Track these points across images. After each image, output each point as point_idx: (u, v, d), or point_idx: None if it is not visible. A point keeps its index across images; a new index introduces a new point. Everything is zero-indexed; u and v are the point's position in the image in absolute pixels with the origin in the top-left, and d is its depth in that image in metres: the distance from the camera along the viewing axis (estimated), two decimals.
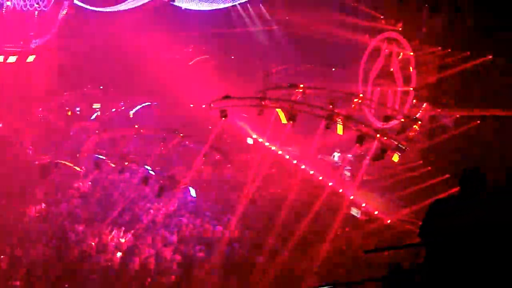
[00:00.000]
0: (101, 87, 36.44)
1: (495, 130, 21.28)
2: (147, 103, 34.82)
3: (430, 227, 7.09)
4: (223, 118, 21.66)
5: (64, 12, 33.48)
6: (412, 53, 25.16)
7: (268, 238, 21.19)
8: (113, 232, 21.34)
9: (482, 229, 6.76)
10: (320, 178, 25.60)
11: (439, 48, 24.61)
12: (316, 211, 21.75)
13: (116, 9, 34.26)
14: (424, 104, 25.26)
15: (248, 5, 35.34)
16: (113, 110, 34.96)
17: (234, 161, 26.48)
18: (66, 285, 18.15)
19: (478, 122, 22.28)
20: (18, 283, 18.02)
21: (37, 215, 22.59)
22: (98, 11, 34.54)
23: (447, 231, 6.89)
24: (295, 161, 27.13)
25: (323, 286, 9.30)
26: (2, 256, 19.26)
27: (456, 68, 23.45)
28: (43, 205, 23.23)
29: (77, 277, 18.59)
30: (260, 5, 35.06)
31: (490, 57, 21.85)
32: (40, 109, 33.91)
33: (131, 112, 34.20)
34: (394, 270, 7.80)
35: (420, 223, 7.38)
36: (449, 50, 24.00)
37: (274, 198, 24.27)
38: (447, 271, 6.92)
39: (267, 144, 27.33)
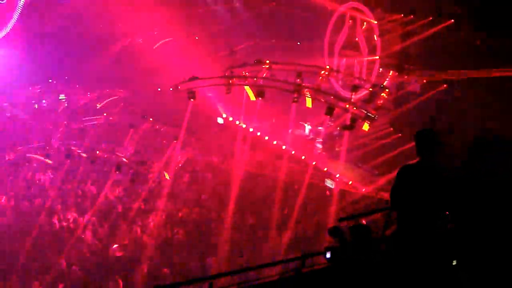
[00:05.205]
0: (66, 78, 35.93)
1: (462, 93, 21.51)
2: (114, 97, 34.28)
3: (398, 194, 7.16)
4: (191, 100, 21.51)
5: (22, 2, 32.82)
6: (375, 22, 25.22)
7: (246, 216, 21.25)
8: (90, 222, 21.26)
9: (441, 195, 6.87)
10: (293, 152, 25.68)
11: (402, 15, 24.71)
12: (292, 185, 21.85)
13: None
14: (391, 72, 25.39)
15: None
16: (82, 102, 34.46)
17: (205, 141, 26.41)
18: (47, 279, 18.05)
19: (445, 86, 22.48)
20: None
21: (11, 210, 22.35)
22: None
23: (412, 197, 6.98)
24: (266, 137, 27.15)
25: (290, 259, 9.36)
26: None
27: (420, 34, 23.57)
28: (16, 200, 23.00)
29: (57, 269, 18.48)
30: None
31: (452, 21, 21.99)
32: (6, 104, 33.38)
33: (99, 105, 33.68)
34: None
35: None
36: (412, 17, 24.11)
37: (248, 176, 24.29)
38: (412, 236, 7.03)
39: (237, 122, 27.28)
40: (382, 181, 22.02)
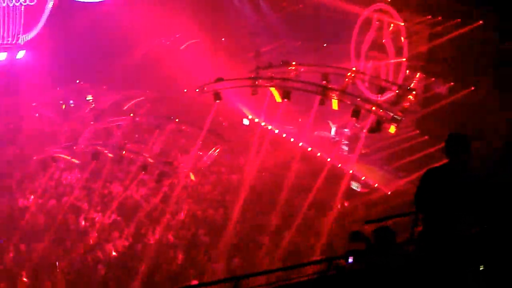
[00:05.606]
0: (93, 79, 36.19)
1: (490, 95, 21.22)
2: (141, 98, 34.37)
3: (424, 196, 7.11)
4: (217, 101, 21.59)
5: (51, 4, 33.20)
6: (403, 24, 25.03)
7: (271, 217, 21.22)
8: (115, 221, 21.45)
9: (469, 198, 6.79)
10: (319, 154, 25.62)
11: (430, 16, 24.46)
12: (317, 187, 21.76)
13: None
14: (418, 74, 25.18)
15: None
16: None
17: (232, 143, 26.44)
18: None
19: (473, 88, 22.19)
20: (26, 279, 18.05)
21: (38, 209, 22.61)
22: (83, 1, 34.42)
23: (438, 200, 6.91)
24: (292, 139, 27.11)
25: (316, 261, 9.35)
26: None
27: (448, 36, 23.31)
28: (44, 199, 23.30)
29: (83, 268, 18.66)
30: None
31: (481, 22, 21.71)
32: (34, 104, 33.77)
33: (126, 107, 33.78)
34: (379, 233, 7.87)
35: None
36: (440, 18, 23.86)
37: (274, 178, 24.27)
38: (437, 239, 6.95)
39: (263, 124, 27.28)
40: (408, 183, 21.84)
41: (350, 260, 7.74)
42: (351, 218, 21.03)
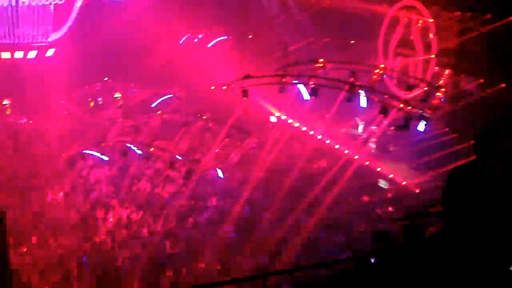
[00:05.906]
0: (121, 76, 36.46)
1: None
2: (169, 95, 34.47)
3: (450, 194, 7.01)
4: (245, 98, 21.59)
5: (79, 3, 33.55)
6: (431, 20, 24.74)
7: (297, 215, 21.16)
8: (143, 218, 21.60)
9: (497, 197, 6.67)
10: (346, 151, 25.48)
11: (459, 13, 24.16)
12: (344, 184, 21.69)
13: None
14: (447, 71, 24.87)
15: None
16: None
17: (258, 140, 26.44)
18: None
19: (503, 85, 21.88)
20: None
21: (67, 205, 22.86)
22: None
23: (465, 198, 6.81)
24: (319, 136, 27.00)
25: (342, 260, 9.27)
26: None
27: (478, 32, 23.00)
28: (72, 195, 23.55)
29: (111, 264, 18.81)
30: None
31: None
32: (63, 101, 34.12)
33: (154, 104, 33.90)
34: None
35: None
36: (469, 14, 23.55)
37: (300, 175, 24.19)
38: (464, 239, 6.85)
39: (290, 121, 27.22)
40: (435, 181, 21.63)
41: (372, 260, 7.70)
42: (377, 215, 20.91)
